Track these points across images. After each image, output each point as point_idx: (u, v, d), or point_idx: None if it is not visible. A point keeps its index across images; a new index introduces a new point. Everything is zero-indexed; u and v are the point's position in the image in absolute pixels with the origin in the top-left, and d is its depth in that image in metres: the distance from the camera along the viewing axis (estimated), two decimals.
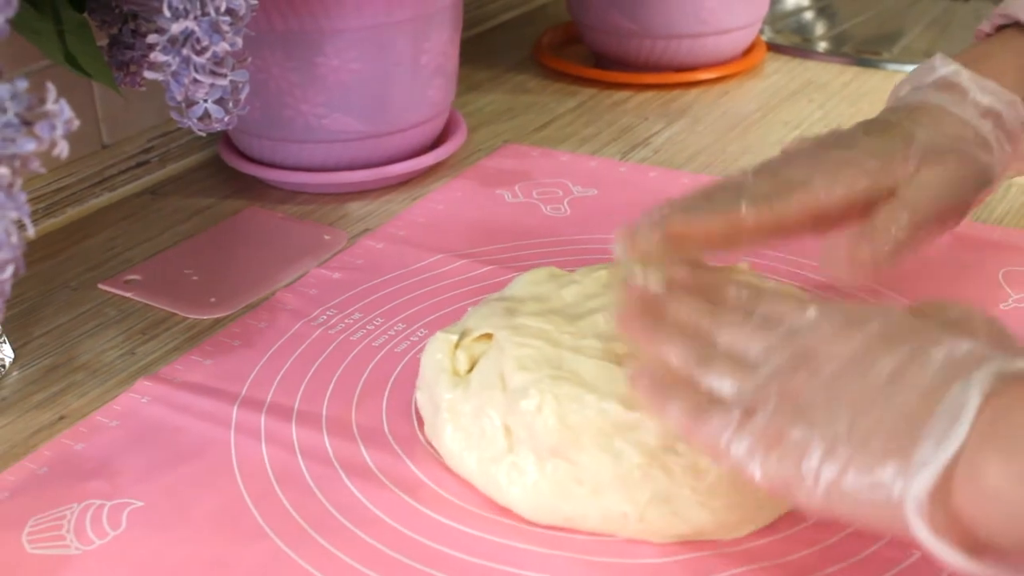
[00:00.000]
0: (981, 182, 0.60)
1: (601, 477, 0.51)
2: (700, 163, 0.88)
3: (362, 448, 0.57)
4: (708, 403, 0.46)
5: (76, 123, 0.49)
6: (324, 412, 0.60)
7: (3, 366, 0.64)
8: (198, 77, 0.59)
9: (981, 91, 0.60)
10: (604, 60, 1.07)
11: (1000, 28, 0.65)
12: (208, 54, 0.59)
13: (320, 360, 0.64)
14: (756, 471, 0.43)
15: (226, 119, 0.61)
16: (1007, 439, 0.37)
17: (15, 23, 0.54)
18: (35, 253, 0.76)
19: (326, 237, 0.77)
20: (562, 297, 0.59)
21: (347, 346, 0.65)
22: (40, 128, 0.48)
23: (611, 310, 0.55)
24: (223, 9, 0.58)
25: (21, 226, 0.49)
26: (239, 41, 0.60)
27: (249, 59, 0.62)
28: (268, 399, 0.61)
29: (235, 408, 0.60)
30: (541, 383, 0.52)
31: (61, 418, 0.60)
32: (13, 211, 0.49)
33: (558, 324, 0.56)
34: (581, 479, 0.51)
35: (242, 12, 0.59)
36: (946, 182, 0.58)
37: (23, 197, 0.50)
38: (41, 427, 0.60)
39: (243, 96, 0.62)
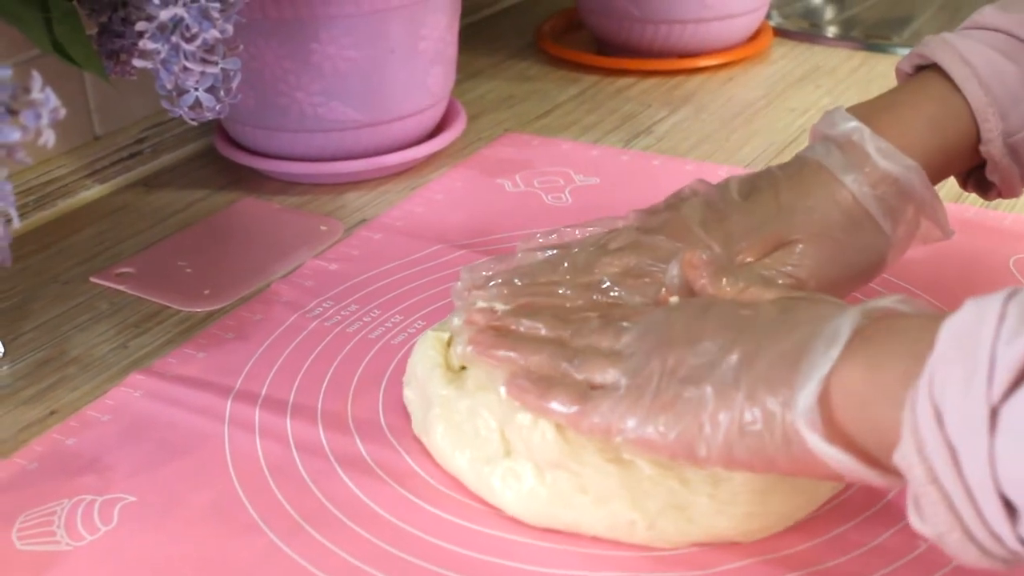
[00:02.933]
0: (862, 265, 0.58)
1: (607, 486, 0.49)
2: (704, 151, 0.86)
3: (358, 441, 0.56)
4: (589, 390, 0.48)
5: (62, 112, 0.48)
6: (319, 405, 0.59)
7: None
8: (188, 65, 0.58)
9: (880, 154, 0.57)
10: (607, 46, 1.06)
11: (920, 68, 0.62)
12: (198, 41, 0.58)
13: (316, 352, 0.63)
14: (654, 436, 0.46)
15: (217, 107, 0.61)
16: (870, 355, 0.41)
17: (2, 11, 0.53)
18: (26, 246, 0.75)
19: (322, 228, 0.76)
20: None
21: (343, 338, 0.64)
22: (25, 117, 0.48)
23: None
24: None
25: (8, 219, 0.48)
26: (230, 28, 0.59)
27: (241, 47, 0.61)
28: (263, 392, 0.60)
29: (229, 401, 0.59)
30: None
31: (52, 413, 0.60)
32: None
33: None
34: (585, 488, 0.49)
35: None
36: (820, 264, 0.56)
37: (9, 188, 0.49)
38: (32, 422, 0.59)
39: (235, 84, 0.61)
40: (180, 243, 0.76)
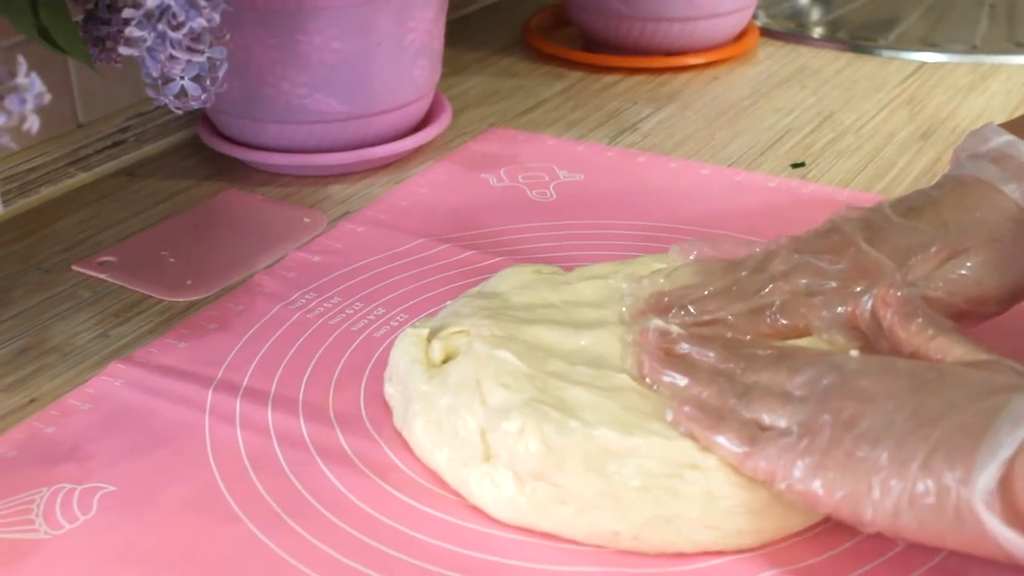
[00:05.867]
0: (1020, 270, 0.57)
1: (588, 497, 0.48)
2: (689, 148, 0.87)
3: (339, 433, 0.56)
4: (758, 430, 0.48)
5: (47, 97, 0.48)
6: (301, 397, 0.58)
7: None
8: (174, 53, 0.58)
9: None
10: (593, 43, 1.06)
11: None
12: (184, 30, 0.57)
13: (298, 344, 0.63)
14: (819, 490, 0.45)
15: (203, 97, 0.60)
16: None
17: None
18: (7, 233, 0.75)
19: (306, 220, 0.76)
20: (551, 302, 0.58)
21: (325, 330, 0.64)
22: (10, 102, 0.47)
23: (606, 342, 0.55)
24: None
25: None
26: (216, 17, 0.59)
27: (228, 35, 0.61)
28: (244, 383, 0.59)
29: (210, 392, 0.59)
30: (525, 408, 0.50)
31: (32, 401, 0.59)
32: None
33: (546, 339, 0.55)
34: (565, 499, 0.49)
35: None
36: (994, 271, 0.56)
37: None
38: (11, 410, 0.59)
39: (221, 73, 0.61)
40: (163, 233, 0.75)
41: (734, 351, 0.52)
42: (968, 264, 0.56)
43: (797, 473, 0.45)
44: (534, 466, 0.49)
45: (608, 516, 0.48)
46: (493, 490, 0.50)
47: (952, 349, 0.49)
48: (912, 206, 0.59)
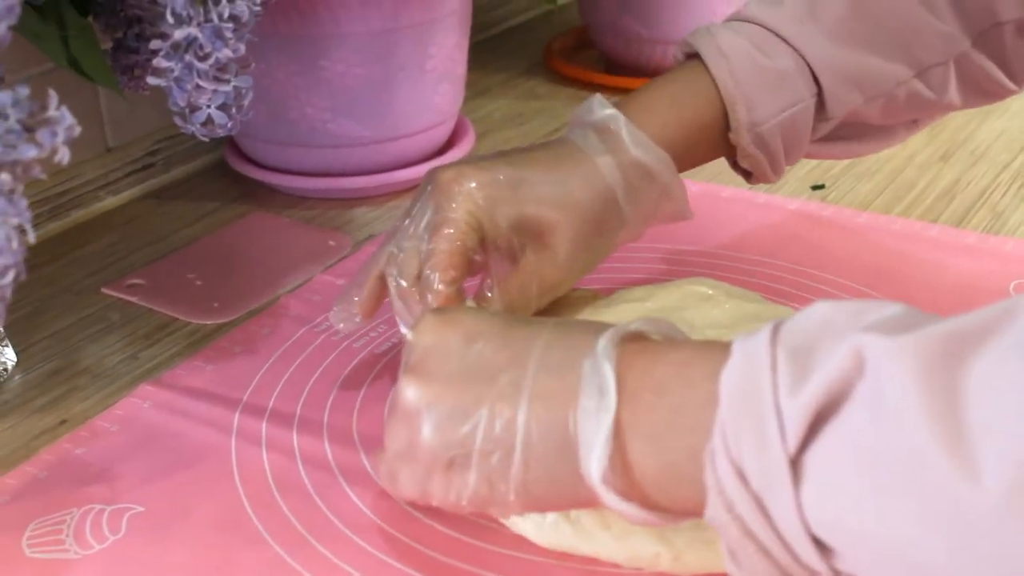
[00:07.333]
0: (602, 247, 0.61)
1: (633, 523, 0.48)
2: (709, 172, 0.86)
3: (362, 455, 0.57)
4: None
5: (77, 130, 0.49)
6: (325, 419, 0.59)
7: (5, 370, 0.64)
8: (201, 83, 0.59)
9: (633, 142, 0.60)
10: (615, 66, 1.06)
11: (689, 56, 0.64)
12: (211, 60, 0.59)
13: (323, 367, 0.64)
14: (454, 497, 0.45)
15: (229, 125, 0.61)
16: (645, 421, 0.41)
17: (19, 26, 0.54)
18: (38, 257, 0.76)
19: (331, 243, 0.77)
20: None
21: (350, 353, 0.65)
22: (41, 135, 0.48)
23: None
24: (226, 16, 0.58)
25: (22, 231, 0.49)
26: (242, 47, 0.60)
27: (253, 65, 0.62)
28: (270, 405, 0.60)
29: (236, 414, 0.60)
30: None
31: (63, 422, 0.60)
32: (14, 217, 0.49)
33: None
34: (609, 524, 0.49)
35: (245, 19, 0.58)
36: (574, 246, 0.58)
37: (24, 203, 0.50)
38: (42, 431, 0.60)
39: (247, 102, 0.62)
40: (190, 256, 0.76)
41: None
42: (555, 235, 0.58)
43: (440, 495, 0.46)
44: None
45: (649, 540, 0.49)
46: (537, 517, 0.50)
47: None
48: (510, 154, 0.60)
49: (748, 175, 0.66)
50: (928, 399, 0.34)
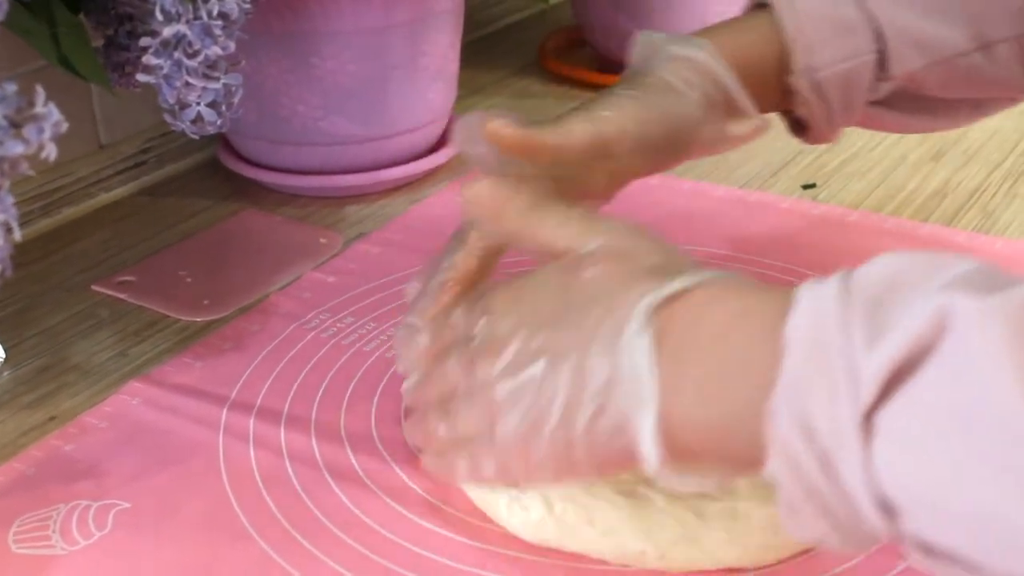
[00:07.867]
0: (675, 133, 0.59)
1: (617, 519, 0.49)
2: (702, 171, 0.87)
3: (350, 452, 0.57)
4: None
5: (65, 126, 0.49)
6: (313, 416, 0.59)
7: None
8: (190, 80, 0.59)
9: (672, 44, 0.60)
10: (608, 64, 1.06)
11: (757, 7, 0.63)
12: (200, 58, 0.59)
13: (311, 364, 0.64)
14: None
15: (219, 122, 0.62)
16: (692, 375, 0.40)
17: (9, 24, 0.54)
18: (30, 253, 0.76)
19: (322, 240, 0.77)
20: None
21: (339, 350, 0.65)
22: (28, 131, 0.49)
23: None
24: (215, 13, 0.58)
25: (8, 229, 0.49)
26: (232, 45, 0.60)
27: (243, 62, 0.62)
28: (258, 402, 0.61)
29: (224, 411, 0.60)
30: None
31: (51, 419, 0.61)
32: (0, 213, 0.49)
33: None
34: (593, 521, 0.50)
35: (235, 16, 0.59)
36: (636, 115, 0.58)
37: (10, 200, 0.50)
38: (31, 427, 0.60)
39: (236, 99, 0.62)
40: (181, 253, 0.77)
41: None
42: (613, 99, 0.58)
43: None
44: (562, 490, 0.50)
45: (635, 537, 0.49)
46: (522, 513, 0.50)
47: (556, 240, 0.47)
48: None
49: (805, 132, 0.64)
50: (1020, 364, 0.33)
